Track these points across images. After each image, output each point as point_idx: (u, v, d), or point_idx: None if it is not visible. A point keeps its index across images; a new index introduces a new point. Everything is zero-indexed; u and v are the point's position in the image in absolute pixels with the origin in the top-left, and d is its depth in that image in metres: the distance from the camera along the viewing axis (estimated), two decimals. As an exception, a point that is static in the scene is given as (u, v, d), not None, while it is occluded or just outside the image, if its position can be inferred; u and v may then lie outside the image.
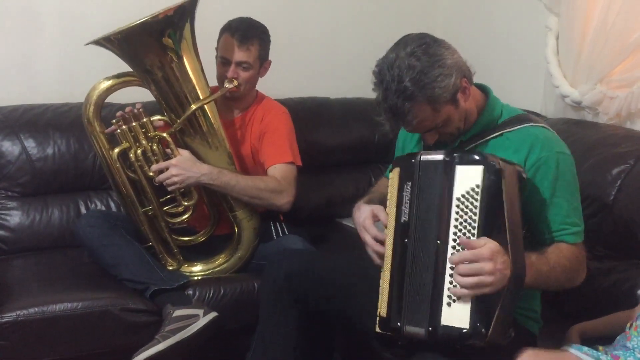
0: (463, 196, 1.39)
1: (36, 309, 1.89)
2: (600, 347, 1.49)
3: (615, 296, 1.83)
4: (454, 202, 1.40)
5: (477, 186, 1.38)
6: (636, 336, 1.41)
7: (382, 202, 1.62)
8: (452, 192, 1.41)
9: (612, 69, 2.22)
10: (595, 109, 2.30)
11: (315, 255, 1.97)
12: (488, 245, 1.33)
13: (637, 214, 1.86)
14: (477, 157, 1.40)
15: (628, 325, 1.47)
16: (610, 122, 2.26)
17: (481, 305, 1.35)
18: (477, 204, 1.37)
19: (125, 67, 2.06)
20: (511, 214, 1.38)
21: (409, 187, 1.49)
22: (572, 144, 2.01)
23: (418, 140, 1.74)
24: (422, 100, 1.46)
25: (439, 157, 1.45)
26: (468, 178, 1.39)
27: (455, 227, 1.39)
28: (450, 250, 1.39)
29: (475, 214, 1.37)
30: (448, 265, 1.39)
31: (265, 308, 1.75)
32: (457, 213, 1.39)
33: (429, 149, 1.63)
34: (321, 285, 1.71)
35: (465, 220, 1.38)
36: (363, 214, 1.62)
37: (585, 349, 1.45)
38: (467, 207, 1.39)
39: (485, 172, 1.37)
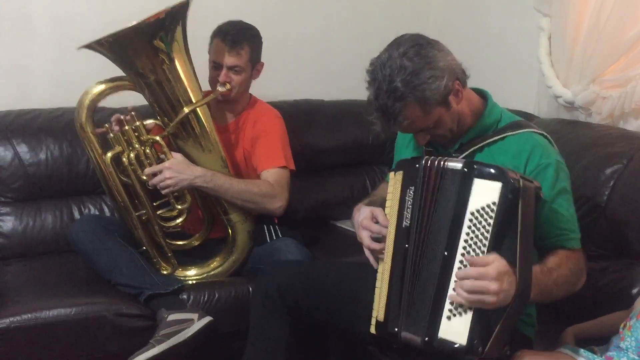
0: (477, 211, 1.35)
1: (29, 315, 1.88)
2: (595, 348, 1.49)
3: (610, 296, 1.83)
4: (467, 216, 1.36)
5: (494, 203, 1.33)
6: (629, 336, 1.41)
7: (383, 205, 1.60)
8: (467, 205, 1.37)
9: (605, 69, 2.22)
10: (588, 109, 2.30)
11: (305, 265, 1.96)
12: (495, 264, 1.30)
13: (631, 213, 1.86)
14: (496, 172, 1.35)
15: (622, 325, 1.47)
16: (603, 122, 2.26)
17: (482, 321, 1.33)
18: (491, 221, 1.33)
19: (117, 71, 2.05)
20: (524, 233, 1.34)
21: (412, 192, 1.47)
22: (566, 144, 2.03)
23: (416, 145, 1.71)
24: (412, 101, 1.45)
25: (457, 165, 1.41)
26: (485, 193, 1.35)
27: (465, 241, 1.36)
28: (457, 265, 1.36)
29: (487, 231, 1.34)
30: (453, 278, 1.36)
31: (256, 320, 1.74)
32: (469, 227, 1.36)
33: (430, 154, 1.62)
34: (313, 294, 1.70)
35: (477, 236, 1.35)
36: (362, 215, 1.61)
37: (582, 350, 1.45)
38: (480, 222, 1.35)
39: (503, 189, 1.33)
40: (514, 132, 1.57)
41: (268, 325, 1.70)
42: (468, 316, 1.34)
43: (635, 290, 1.80)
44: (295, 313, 1.70)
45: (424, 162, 1.46)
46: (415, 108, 1.47)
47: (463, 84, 1.54)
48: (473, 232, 1.36)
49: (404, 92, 1.44)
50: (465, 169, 1.39)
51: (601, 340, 1.53)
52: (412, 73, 1.44)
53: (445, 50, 1.52)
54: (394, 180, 1.53)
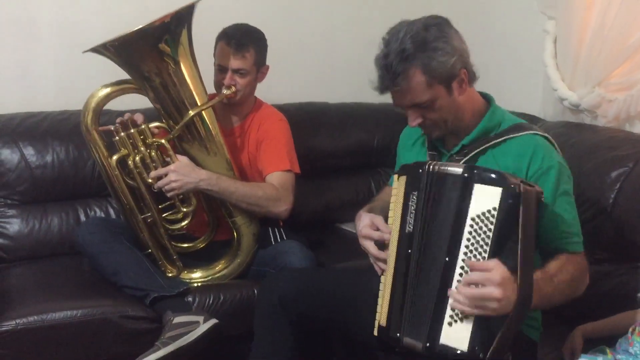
0: (478, 216, 1.35)
1: (36, 317, 1.89)
2: (608, 350, 1.48)
3: (615, 300, 1.83)
4: (468, 222, 1.36)
5: (494, 208, 1.33)
6: (638, 342, 1.41)
7: (384, 210, 1.60)
8: (467, 211, 1.36)
9: (610, 72, 2.22)
10: (594, 112, 2.30)
11: (305, 274, 1.95)
12: (498, 269, 1.30)
13: (637, 217, 1.85)
14: (496, 177, 1.35)
15: (630, 330, 1.46)
16: (609, 125, 2.26)
17: (483, 328, 1.32)
18: (492, 226, 1.33)
19: (123, 74, 2.06)
20: (526, 238, 1.33)
21: (415, 197, 1.46)
22: (571, 147, 2.03)
23: (420, 148, 1.73)
24: (417, 64, 1.46)
25: (457, 170, 1.40)
26: (485, 198, 1.34)
27: (467, 247, 1.36)
28: (458, 270, 1.36)
29: (488, 236, 1.33)
30: (454, 284, 1.36)
31: (259, 330, 1.75)
32: (469, 233, 1.35)
33: (433, 158, 1.62)
34: (315, 303, 1.71)
35: (478, 242, 1.34)
36: (362, 223, 1.62)
37: (601, 359, 1.44)
38: (481, 228, 1.34)
39: (503, 194, 1.32)
40: (515, 135, 1.56)
41: (271, 336, 1.71)
42: (469, 322, 1.33)
43: (641, 294, 1.80)
44: (298, 322, 1.70)
45: (427, 167, 1.46)
46: (419, 75, 1.47)
47: (469, 77, 1.54)
48: (474, 237, 1.35)
49: (411, 54, 1.45)
50: (466, 174, 1.39)
51: (609, 340, 1.52)
52: (424, 39, 1.47)
53: (462, 38, 1.54)
54: (398, 184, 1.52)
